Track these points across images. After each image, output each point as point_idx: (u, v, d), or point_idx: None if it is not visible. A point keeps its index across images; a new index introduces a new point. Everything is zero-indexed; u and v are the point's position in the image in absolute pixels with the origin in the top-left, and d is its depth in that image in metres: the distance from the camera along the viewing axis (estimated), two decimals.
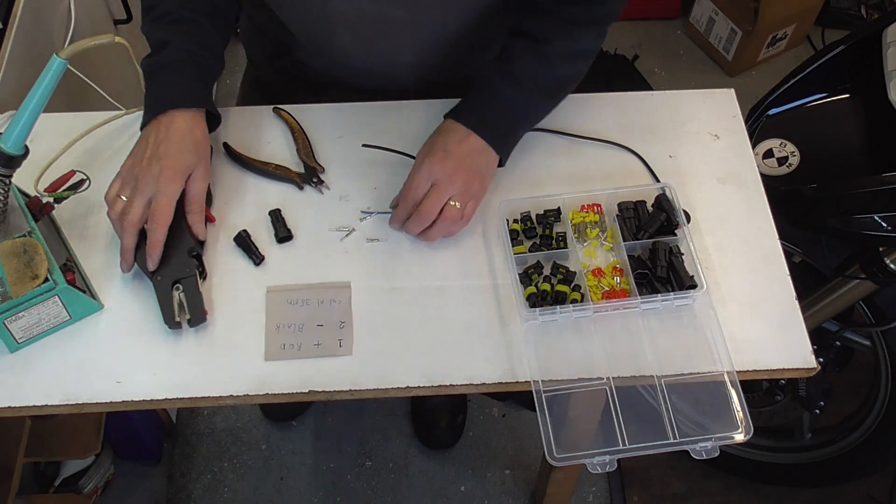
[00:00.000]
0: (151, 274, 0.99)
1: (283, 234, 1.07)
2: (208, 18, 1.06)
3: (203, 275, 1.03)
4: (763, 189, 1.12)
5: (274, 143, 1.16)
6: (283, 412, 1.98)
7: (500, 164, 1.07)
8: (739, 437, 0.92)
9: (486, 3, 1.08)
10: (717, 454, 0.93)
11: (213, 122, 1.08)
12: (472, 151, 1.03)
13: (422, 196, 1.01)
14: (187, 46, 1.03)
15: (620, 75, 2.54)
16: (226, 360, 0.98)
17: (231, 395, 0.96)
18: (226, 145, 1.15)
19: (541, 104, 1.09)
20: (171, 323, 0.97)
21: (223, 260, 1.05)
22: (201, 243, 1.03)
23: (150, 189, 0.97)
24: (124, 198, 0.98)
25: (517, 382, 0.97)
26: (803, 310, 1.02)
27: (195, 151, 1.00)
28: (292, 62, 1.20)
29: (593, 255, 1.06)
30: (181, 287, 0.98)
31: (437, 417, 1.94)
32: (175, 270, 0.99)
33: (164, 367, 0.97)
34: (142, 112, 1.19)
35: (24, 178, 1.03)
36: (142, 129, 1.03)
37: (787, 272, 1.04)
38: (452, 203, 1.01)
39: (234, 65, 2.68)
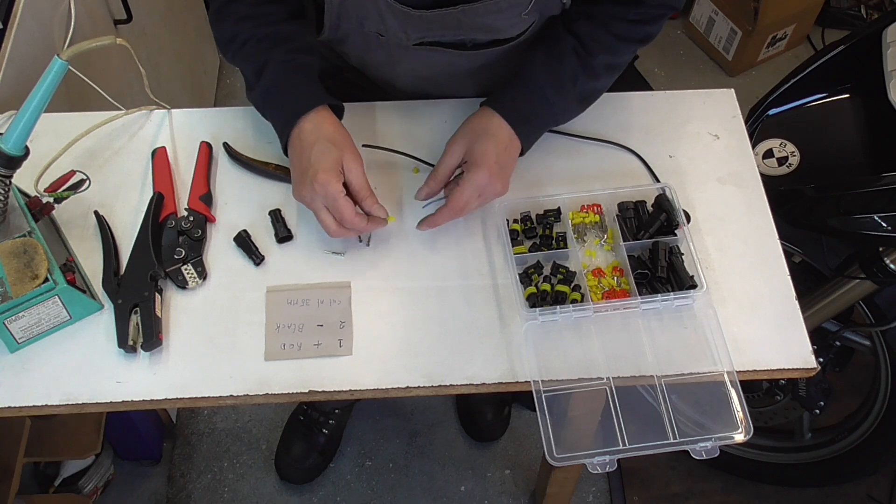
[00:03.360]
0: (114, 297, 0.99)
1: (283, 234, 1.07)
2: (286, 23, 1.06)
3: (203, 275, 1.03)
4: (763, 189, 1.12)
5: (274, 143, 1.15)
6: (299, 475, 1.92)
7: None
8: (739, 437, 0.92)
9: (543, 21, 1.09)
10: (717, 454, 0.93)
11: (337, 110, 1.06)
12: (512, 153, 1.04)
13: (462, 197, 1.01)
14: (280, 58, 1.02)
15: (620, 75, 2.54)
16: (226, 360, 0.98)
17: (231, 395, 0.96)
18: (226, 145, 1.15)
19: (572, 109, 1.10)
20: (125, 346, 0.96)
21: (223, 260, 1.05)
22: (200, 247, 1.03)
23: (319, 201, 0.97)
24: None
25: (517, 382, 0.97)
26: (803, 310, 1.02)
27: (332, 145, 0.99)
28: (342, 81, 1.21)
29: (593, 255, 1.06)
30: (139, 310, 0.98)
31: (482, 410, 1.95)
32: (135, 294, 0.99)
33: (163, 367, 0.97)
34: (145, 112, 1.19)
35: (24, 178, 1.03)
36: (287, 154, 1.04)
37: (787, 272, 1.04)
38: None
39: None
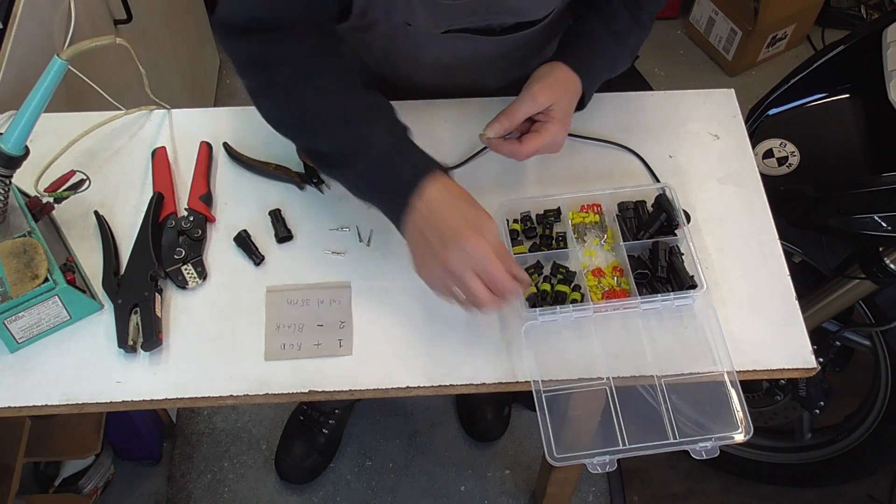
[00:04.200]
0: (114, 297, 0.99)
1: (283, 234, 1.07)
2: (355, 76, 0.99)
3: (203, 275, 1.03)
4: (763, 189, 1.12)
5: (274, 143, 1.15)
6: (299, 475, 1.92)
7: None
8: (739, 437, 0.92)
9: (566, 4, 1.10)
10: (716, 454, 0.93)
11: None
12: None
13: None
14: (386, 125, 0.94)
15: (620, 75, 2.54)
16: (226, 360, 0.98)
17: (231, 395, 0.96)
18: (226, 145, 1.15)
19: (624, 62, 1.12)
20: (125, 346, 0.96)
21: (223, 260, 1.05)
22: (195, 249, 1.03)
23: (470, 267, 0.87)
24: (455, 290, 0.90)
25: (517, 382, 0.97)
26: (803, 310, 1.02)
27: (472, 206, 0.90)
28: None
29: (593, 255, 1.06)
30: (139, 310, 0.98)
31: (482, 410, 1.95)
32: (135, 294, 0.99)
33: (163, 367, 0.97)
34: (145, 112, 1.18)
35: (24, 178, 1.03)
36: (401, 228, 0.93)
37: (787, 272, 1.04)
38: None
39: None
